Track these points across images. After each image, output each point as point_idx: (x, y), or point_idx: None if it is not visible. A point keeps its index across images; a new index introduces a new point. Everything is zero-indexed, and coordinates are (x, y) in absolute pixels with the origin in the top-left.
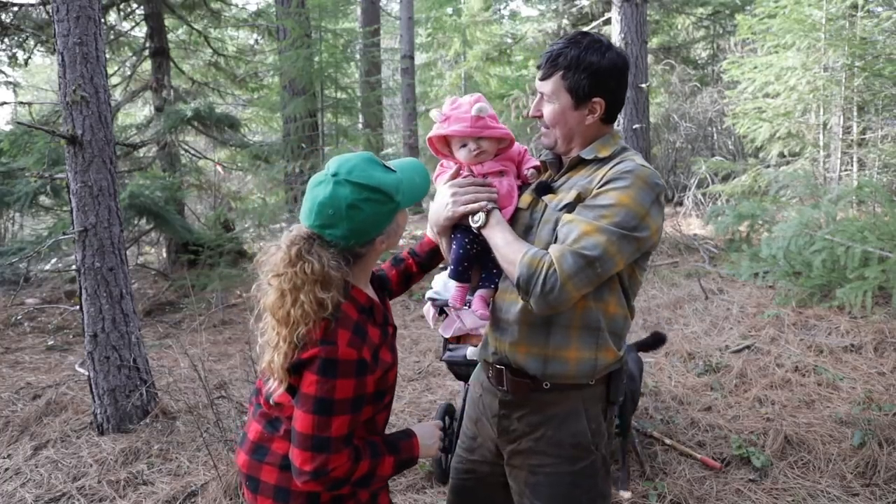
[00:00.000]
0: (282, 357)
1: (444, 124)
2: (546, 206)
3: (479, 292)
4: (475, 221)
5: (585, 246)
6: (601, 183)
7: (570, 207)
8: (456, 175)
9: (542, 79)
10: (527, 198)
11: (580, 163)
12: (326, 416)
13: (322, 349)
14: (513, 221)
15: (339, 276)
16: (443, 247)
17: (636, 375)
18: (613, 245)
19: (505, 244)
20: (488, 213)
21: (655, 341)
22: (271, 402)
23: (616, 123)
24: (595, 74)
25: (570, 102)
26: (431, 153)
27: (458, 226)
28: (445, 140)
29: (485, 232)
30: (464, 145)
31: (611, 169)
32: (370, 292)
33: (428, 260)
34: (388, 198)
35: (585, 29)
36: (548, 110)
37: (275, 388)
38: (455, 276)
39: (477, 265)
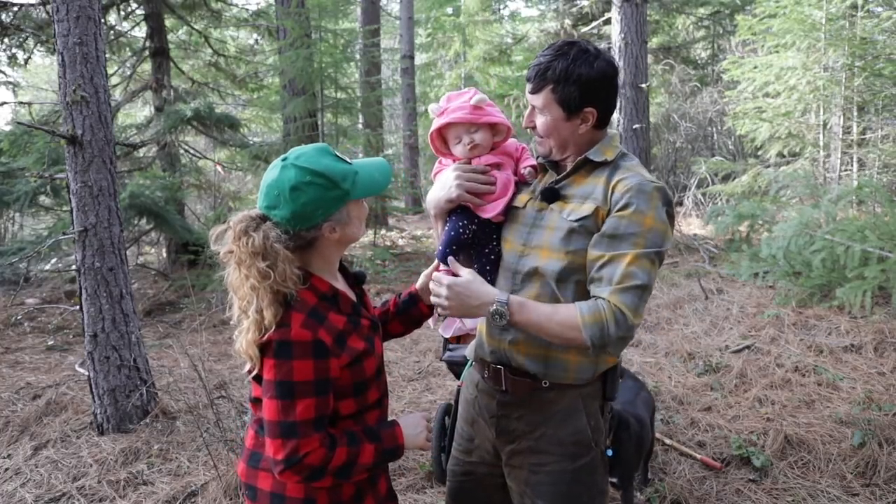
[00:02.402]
0: (248, 335)
1: (443, 116)
2: (554, 211)
3: None
4: (496, 320)
5: (635, 277)
6: (618, 206)
7: (586, 222)
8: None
9: (532, 92)
10: (523, 197)
11: (586, 164)
12: (289, 399)
13: (276, 333)
14: (508, 219)
15: (283, 250)
16: (437, 231)
17: (645, 418)
18: (654, 264)
19: (549, 318)
20: (507, 304)
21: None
22: (250, 396)
23: (616, 124)
24: (585, 86)
25: (562, 114)
26: (431, 153)
27: (454, 210)
28: (443, 137)
29: (517, 320)
30: (459, 141)
31: (619, 182)
32: (338, 283)
33: (404, 306)
34: (333, 184)
35: (585, 29)
36: (540, 122)
37: (249, 369)
38: (442, 257)
39: (468, 256)
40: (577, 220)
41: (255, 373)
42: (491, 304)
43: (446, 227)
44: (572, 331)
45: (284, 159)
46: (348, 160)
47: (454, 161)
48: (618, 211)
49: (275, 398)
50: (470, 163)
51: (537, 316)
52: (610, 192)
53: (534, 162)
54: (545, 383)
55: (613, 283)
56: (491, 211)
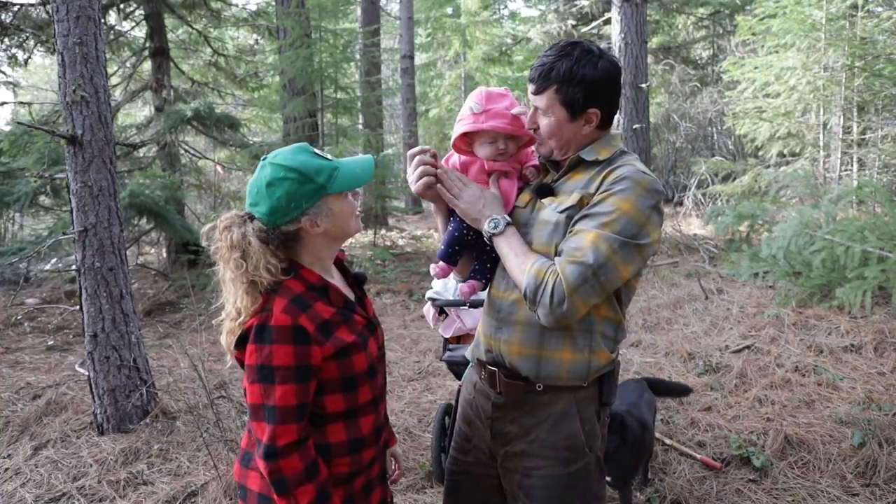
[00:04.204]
0: (226, 324)
1: (482, 118)
2: (546, 207)
3: (470, 282)
4: (490, 227)
5: (587, 255)
6: (602, 190)
7: (571, 211)
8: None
9: (535, 93)
10: (525, 196)
11: (580, 163)
12: (269, 383)
13: (258, 317)
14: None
15: (258, 242)
16: (440, 223)
17: (650, 422)
18: (616, 254)
19: (514, 255)
20: (506, 224)
21: (676, 391)
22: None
23: (616, 124)
24: (589, 87)
25: (566, 115)
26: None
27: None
28: (466, 136)
29: (497, 240)
30: (492, 142)
31: (611, 172)
32: (332, 278)
33: None
34: (306, 178)
35: (585, 29)
36: (543, 123)
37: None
38: (444, 256)
39: (469, 256)
40: (562, 211)
41: (231, 362)
42: (497, 216)
43: (449, 228)
44: (521, 274)
45: (264, 159)
46: (329, 157)
47: (465, 159)
48: (600, 193)
49: (256, 382)
50: (467, 170)
51: (513, 248)
52: (600, 182)
53: (536, 162)
54: (539, 386)
55: (565, 254)
56: None
